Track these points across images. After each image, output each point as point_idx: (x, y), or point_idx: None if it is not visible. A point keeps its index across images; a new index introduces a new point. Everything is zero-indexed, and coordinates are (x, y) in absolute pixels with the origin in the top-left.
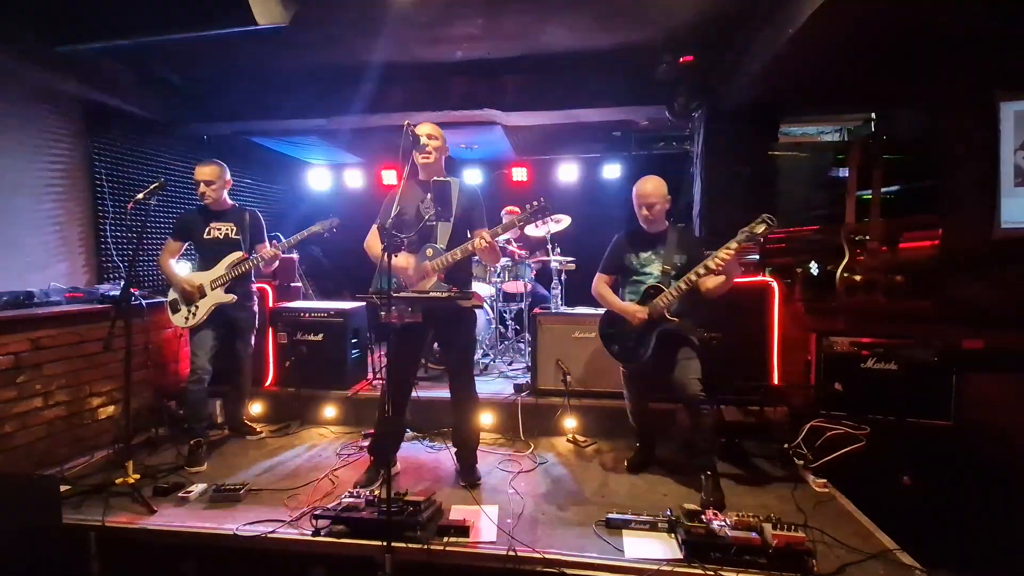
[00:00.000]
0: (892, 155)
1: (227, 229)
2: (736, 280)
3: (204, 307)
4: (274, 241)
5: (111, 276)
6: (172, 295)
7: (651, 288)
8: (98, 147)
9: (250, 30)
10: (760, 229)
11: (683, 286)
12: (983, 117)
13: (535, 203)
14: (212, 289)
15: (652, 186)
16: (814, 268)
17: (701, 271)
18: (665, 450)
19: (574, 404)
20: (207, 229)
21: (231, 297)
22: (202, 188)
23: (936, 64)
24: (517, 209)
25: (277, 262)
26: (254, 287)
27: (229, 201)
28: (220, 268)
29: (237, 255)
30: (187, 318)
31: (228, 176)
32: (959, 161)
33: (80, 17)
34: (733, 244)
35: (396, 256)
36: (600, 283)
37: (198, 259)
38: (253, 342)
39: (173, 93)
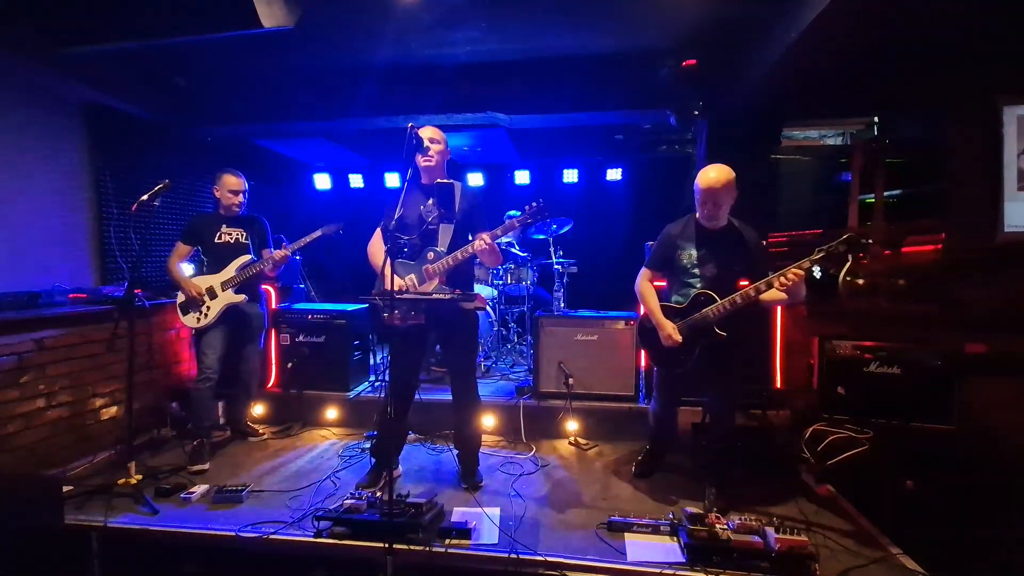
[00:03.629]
0: (895, 159)
1: (238, 234)
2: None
3: (216, 308)
4: (284, 244)
5: (115, 277)
6: (181, 297)
7: (701, 295)
8: (102, 149)
9: (255, 33)
10: (842, 249)
11: (739, 300)
12: (986, 121)
13: (533, 204)
14: (223, 290)
15: (717, 175)
16: (817, 272)
17: (763, 287)
18: (667, 453)
19: (576, 407)
20: (218, 233)
21: (242, 297)
22: (239, 198)
23: (939, 68)
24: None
25: (283, 264)
26: (262, 288)
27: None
28: (231, 270)
29: (246, 257)
30: (199, 319)
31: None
32: (962, 165)
33: (85, 19)
34: (806, 262)
35: (396, 276)
36: (644, 280)
37: (207, 262)
38: (262, 343)
39: (177, 95)
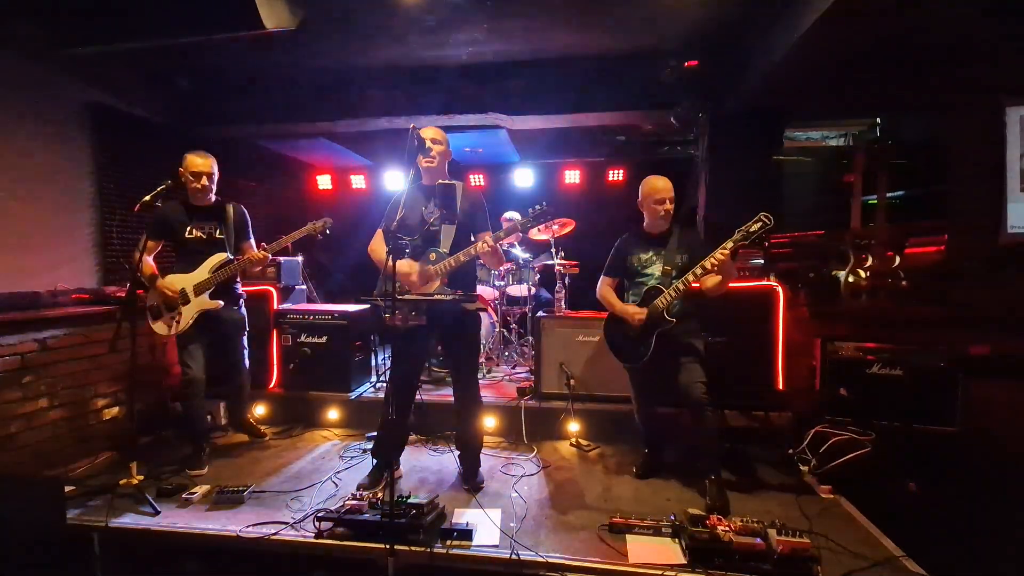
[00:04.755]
0: (898, 160)
1: (210, 228)
2: (741, 284)
3: (188, 314)
4: (262, 243)
5: (117, 277)
6: (151, 300)
7: (651, 289)
8: (105, 149)
9: (257, 34)
10: (755, 227)
11: (680, 287)
12: (989, 122)
13: (537, 207)
14: (196, 295)
15: (664, 183)
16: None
17: (699, 271)
18: (669, 455)
19: (577, 408)
20: (188, 228)
21: (217, 303)
22: (204, 182)
23: (941, 69)
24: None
25: (263, 265)
26: (240, 289)
27: (213, 196)
28: (203, 271)
29: (221, 257)
30: (170, 327)
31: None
32: (965, 166)
33: (88, 20)
34: (729, 244)
35: (400, 262)
36: (603, 286)
37: (177, 260)
38: (246, 344)
39: (179, 95)
